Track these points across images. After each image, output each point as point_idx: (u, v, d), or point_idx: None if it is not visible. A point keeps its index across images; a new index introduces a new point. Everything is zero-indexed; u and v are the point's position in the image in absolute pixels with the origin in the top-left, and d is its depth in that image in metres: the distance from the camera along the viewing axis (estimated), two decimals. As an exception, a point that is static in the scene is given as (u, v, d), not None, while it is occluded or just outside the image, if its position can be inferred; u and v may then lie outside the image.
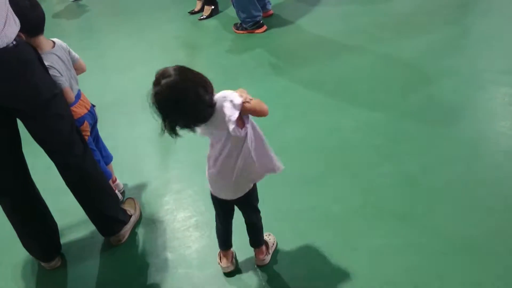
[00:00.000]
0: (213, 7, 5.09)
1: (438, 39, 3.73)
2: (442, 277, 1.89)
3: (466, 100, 2.98)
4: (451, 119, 2.81)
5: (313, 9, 4.72)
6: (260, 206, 2.06)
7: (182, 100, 1.50)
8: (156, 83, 1.50)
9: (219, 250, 2.10)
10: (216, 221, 2.02)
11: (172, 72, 1.49)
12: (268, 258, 2.09)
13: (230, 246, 2.08)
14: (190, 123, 1.57)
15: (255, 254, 2.09)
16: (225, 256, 2.08)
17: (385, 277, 1.94)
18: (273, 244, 2.15)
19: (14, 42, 1.75)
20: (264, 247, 2.08)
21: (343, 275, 1.98)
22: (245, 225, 2.03)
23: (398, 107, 3.00)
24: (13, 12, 1.79)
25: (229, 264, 2.07)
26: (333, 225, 2.23)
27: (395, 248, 2.05)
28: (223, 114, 1.58)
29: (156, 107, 1.51)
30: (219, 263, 2.09)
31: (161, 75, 1.50)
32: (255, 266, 2.10)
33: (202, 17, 5.07)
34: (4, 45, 1.71)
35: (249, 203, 1.92)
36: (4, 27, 1.70)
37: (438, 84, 3.16)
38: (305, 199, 2.41)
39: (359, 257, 2.04)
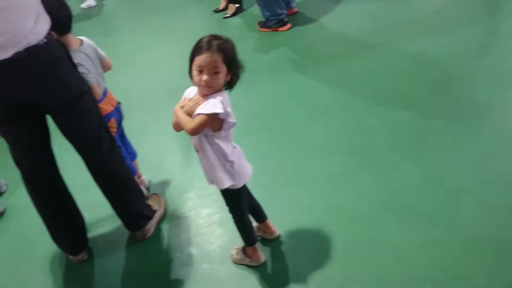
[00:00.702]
0: (237, 5, 5.11)
1: (466, 37, 3.67)
2: (468, 277, 1.87)
3: (494, 99, 2.92)
4: (478, 118, 2.76)
5: (338, 7, 4.69)
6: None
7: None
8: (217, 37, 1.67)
9: (243, 248, 2.12)
10: (245, 217, 2.02)
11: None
12: (278, 230, 2.20)
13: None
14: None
15: (267, 229, 2.17)
16: (257, 250, 2.09)
17: (411, 276, 1.92)
18: None
19: (45, 40, 1.80)
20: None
21: (368, 273, 1.97)
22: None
23: (424, 105, 2.96)
24: (44, 11, 1.83)
25: (262, 256, 2.10)
26: (358, 223, 2.22)
27: (421, 247, 2.03)
28: None
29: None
30: (250, 261, 2.10)
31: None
32: (272, 238, 2.18)
33: (226, 15, 5.10)
34: (35, 42, 1.76)
35: None
36: (35, 24, 1.75)
37: (466, 82, 3.10)
38: (329, 197, 2.40)
39: (384, 256, 2.03)
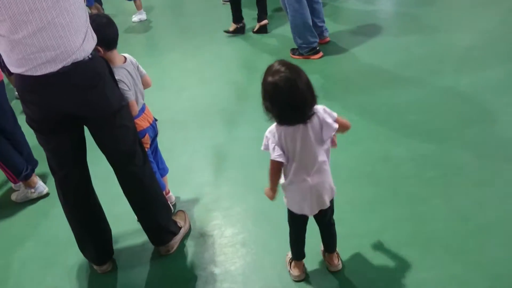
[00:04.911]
0: (237, 26, 5.47)
1: (499, 75, 3.65)
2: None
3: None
4: (508, 155, 2.73)
5: (371, 39, 4.73)
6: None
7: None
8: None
9: (288, 258, 2.19)
10: (295, 236, 2.09)
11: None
12: (341, 264, 2.17)
13: (305, 255, 2.14)
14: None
15: (330, 260, 2.16)
16: (299, 266, 2.14)
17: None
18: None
19: (90, 56, 1.90)
20: (337, 253, 2.18)
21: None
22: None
23: (454, 140, 2.94)
24: (92, 29, 1.94)
25: (302, 273, 2.14)
26: (381, 254, 2.21)
27: (443, 282, 2.02)
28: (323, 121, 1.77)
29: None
30: (290, 272, 2.15)
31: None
32: (328, 271, 2.17)
33: (226, 30, 5.52)
34: (81, 58, 1.86)
35: (331, 207, 2.02)
36: (83, 42, 1.85)
37: (498, 119, 3.08)
38: (353, 226, 2.40)
39: (406, 288, 2.02)
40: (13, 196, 3.11)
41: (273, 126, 1.78)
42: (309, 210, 1.93)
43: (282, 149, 1.76)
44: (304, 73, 1.70)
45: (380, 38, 4.76)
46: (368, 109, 3.48)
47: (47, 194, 3.10)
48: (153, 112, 2.55)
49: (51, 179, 2.30)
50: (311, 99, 1.70)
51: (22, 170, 2.98)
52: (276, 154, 1.75)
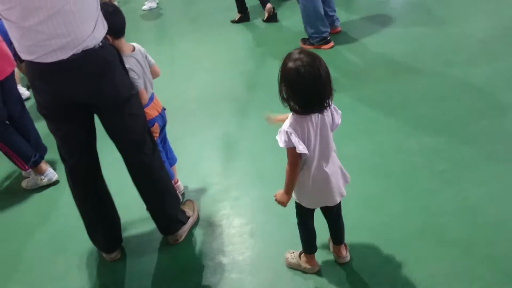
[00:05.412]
0: (241, 15, 5.61)
1: (511, 68, 3.59)
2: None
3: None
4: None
5: (383, 30, 4.68)
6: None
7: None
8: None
9: (300, 253, 2.15)
10: (308, 230, 2.06)
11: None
12: (349, 255, 2.15)
13: (317, 248, 2.14)
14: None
15: (338, 252, 2.14)
16: (313, 258, 2.13)
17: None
18: None
19: (100, 44, 1.89)
20: (345, 245, 2.16)
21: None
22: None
23: (466, 133, 2.91)
24: (102, 17, 1.93)
25: (317, 265, 2.14)
26: (390, 247, 2.20)
27: (452, 276, 2.00)
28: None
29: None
30: (304, 267, 2.13)
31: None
32: (336, 263, 2.16)
33: (233, 20, 5.64)
34: (92, 46, 1.85)
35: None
36: (93, 29, 1.84)
37: (508, 113, 3.04)
38: (363, 218, 2.39)
39: (415, 283, 2.00)
40: (23, 183, 3.14)
41: (291, 120, 1.71)
42: (331, 200, 1.91)
43: (303, 141, 1.71)
44: (324, 62, 1.66)
45: (392, 29, 4.70)
46: (379, 100, 3.46)
47: (57, 181, 3.12)
48: (161, 101, 2.55)
49: (61, 166, 2.31)
50: (330, 88, 1.67)
51: (30, 157, 3.01)
52: (301, 147, 1.68)
